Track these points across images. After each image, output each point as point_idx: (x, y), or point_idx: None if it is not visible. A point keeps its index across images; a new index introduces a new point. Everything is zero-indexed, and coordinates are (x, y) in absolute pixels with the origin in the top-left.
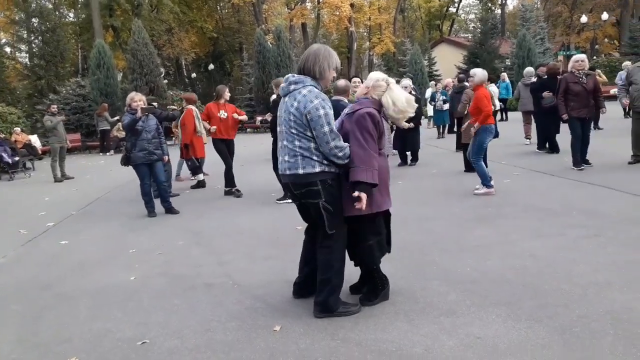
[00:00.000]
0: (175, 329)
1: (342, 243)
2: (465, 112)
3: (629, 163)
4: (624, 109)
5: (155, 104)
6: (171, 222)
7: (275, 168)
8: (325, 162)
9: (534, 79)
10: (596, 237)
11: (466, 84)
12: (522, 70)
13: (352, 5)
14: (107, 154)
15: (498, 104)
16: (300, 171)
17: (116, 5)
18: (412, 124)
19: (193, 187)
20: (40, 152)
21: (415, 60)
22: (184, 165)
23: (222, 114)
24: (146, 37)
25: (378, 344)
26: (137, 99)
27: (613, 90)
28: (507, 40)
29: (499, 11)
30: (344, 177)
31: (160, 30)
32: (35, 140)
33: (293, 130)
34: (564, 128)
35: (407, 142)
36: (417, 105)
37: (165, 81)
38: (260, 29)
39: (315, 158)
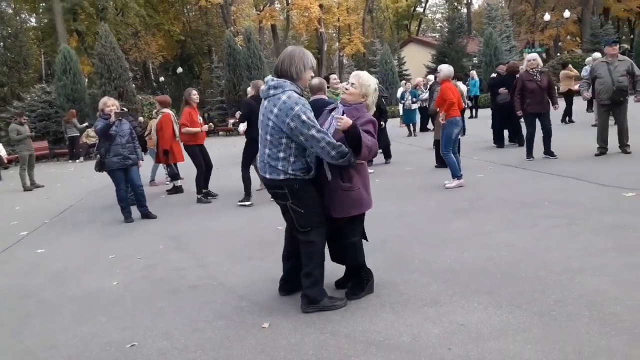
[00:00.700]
0: (163, 330)
1: (322, 236)
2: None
3: (596, 155)
4: (587, 103)
5: (125, 109)
6: (149, 227)
7: (244, 166)
8: (290, 172)
9: (493, 75)
10: (568, 225)
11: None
12: (490, 67)
13: (321, 6)
14: (77, 161)
15: (467, 102)
16: (268, 176)
17: (80, 9)
18: (382, 123)
19: (170, 192)
20: (5, 160)
21: (385, 60)
22: (159, 170)
23: (200, 119)
24: (113, 41)
25: (366, 335)
26: (110, 104)
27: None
28: (474, 39)
29: (465, 10)
30: (342, 179)
31: (126, 34)
32: (0, 148)
33: (268, 137)
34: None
35: (380, 140)
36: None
37: (133, 85)
38: (229, 31)
39: (280, 168)
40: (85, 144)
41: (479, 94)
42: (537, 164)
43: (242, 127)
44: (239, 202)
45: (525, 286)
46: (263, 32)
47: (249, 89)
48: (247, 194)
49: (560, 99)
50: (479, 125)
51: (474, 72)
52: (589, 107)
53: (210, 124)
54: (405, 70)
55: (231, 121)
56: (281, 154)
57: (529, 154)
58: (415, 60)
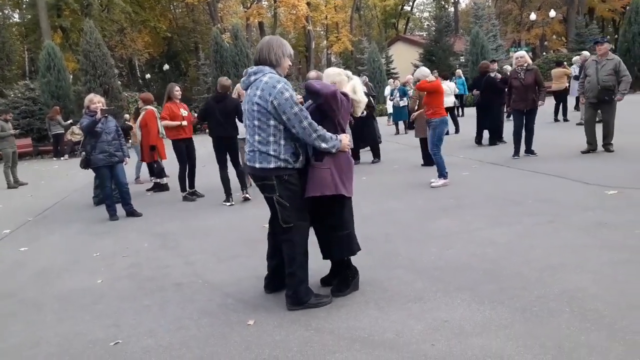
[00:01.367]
0: (147, 328)
1: (303, 236)
2: (416, 107)
3: (582, 152)
4: (575, 100)
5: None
6: (134, 225)
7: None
8: (282, 157)
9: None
10: (550, 223)
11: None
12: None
13: (308, 4)
14: (62, 158)
15: (453, 100)
16: (257, 165)
17: (64, 5)
18: (365, 112)
19: (154, 190)
20: None
21: (373, 59)
22: (143, 168)
23: (183, 112)
24: (99, 38)
25: (350, 332)
26: (96, 101)
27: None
28: (461, 38)
29: (452, 9)
30: (315, 157)
31: (111, 30)
32: None
33: (255, 122)
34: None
35: (365, 136)
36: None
37: (119, 83)
38: (216, 28)
39: (272, 153)
40: (70, 141)
41: (466, 93)
42: (522, 162)
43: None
44: (223, 201)
45: (507, 283)
46: (250, 30)
47: (237, 86)
48: (228, 194)
49: (549, 97)
50: (465, 124)
51: (459, 71)
52: (577, 106)
53: (192, 119)
54: (393, 68)
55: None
56: (271, 138)
57: (516, 151)
58: (403, 58)
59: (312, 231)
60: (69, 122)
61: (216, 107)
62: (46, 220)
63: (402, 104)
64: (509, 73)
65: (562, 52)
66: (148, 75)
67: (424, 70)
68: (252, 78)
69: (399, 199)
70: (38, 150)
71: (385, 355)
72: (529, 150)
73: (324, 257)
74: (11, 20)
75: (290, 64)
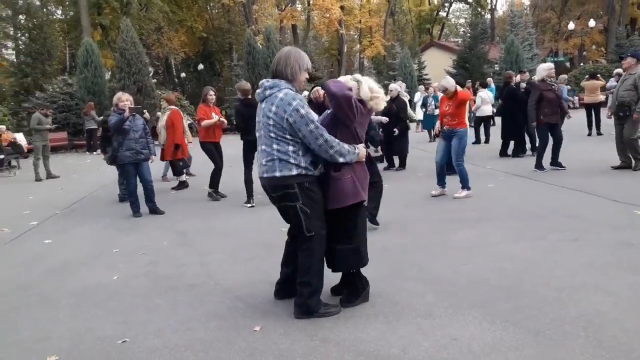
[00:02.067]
0: (156, 328)
1: (322, 245)
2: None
3: (613, 168)
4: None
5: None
6: (157, 223)
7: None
8: (302, 165)
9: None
10: (575, 240)
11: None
12: None
13: (342, 7)
14: (94, 153)
15: (491, 109)
16: (278, 174)
17: (105, 3)
18: (396, 130)
19: (175, 188)
20: (26, 150)
21: (404, 64)
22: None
23: (215, 117)
24: (134, 36)
25: (356, 345)
26: (125, 99)
27: (602, 96)
28: (496, 45)
29: (489, 16)
30: (332, 168)
31: (149, 29)
32: (20, 138)
33: (272, 134)
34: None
35: (395, 147)
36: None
37: (154, 80)
38: (250, 30)
39: (292, 161)
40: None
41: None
42: (549, 176)
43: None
44: (244, 202)
45: (523, 301)
46: (284, 32)
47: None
48: (249, 195)
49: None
50: (494, 133)
51: (490, 79)
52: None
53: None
54: (425, 74)
55: None
56: (290, 148)
57: (539, 165)
58: (436, 64)
59: None
60: (101, 117)
61: (245, 112)
62: (73, 214)
63: (436, 112)
64: (535, 84)
65: (601, 63)
66: (183, 74)
67: (451, 80)
68: (268, 92)
69: (419, 208)
70: (73, 144)
71: None
72: (556, 163)
73: (329, 268)
74: (54, 17)
75: (307, 76)
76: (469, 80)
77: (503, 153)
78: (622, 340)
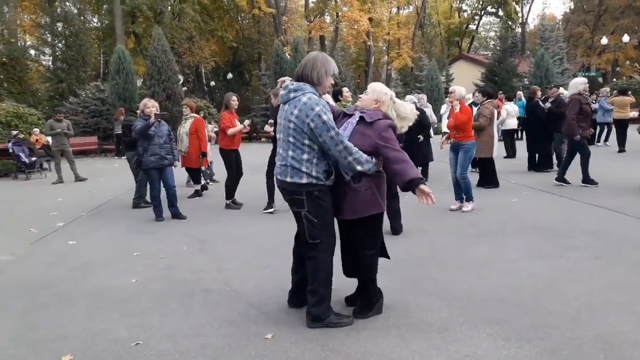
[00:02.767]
0: (169, 332)
1: (328, 254)
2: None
3: None
4: None
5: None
6: (177, 228)
7: (268, 174)
8: (313, 174)
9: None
10: (597, 259)
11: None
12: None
13: (370, 19)
14: (123, 157)
15: (516, 123)
16: (288, 179)
17: (139, 12)
18: (421, 137)
19: (190, 196)
20: None
21: (431, 76)
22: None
23: (238, 124)
24: (165, 45)
25: (367, 357)
26: (150, 105)
27: (632, 113)
28: (526, 59)
29: (520, 29)
30: (353, 180)
31: (181, 38)
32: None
33: (290, 139)
34: None
35: (416, 156)
36: (416, 116)
37: (185, 88)
38: (278, 40)
39: (304, 170)
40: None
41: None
42: (575, 192)
43: (268, 127)
44: (264, 209)
45: (540, 320)
46: (312, 43)
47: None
48: (271, 201)
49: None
50: (522, 147)
51: (520, 93)
52: None
53: (247, 125)
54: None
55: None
56: (305, 156)
57: (562, 178)
58: (464, 77)
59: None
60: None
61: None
62: (98, 216)
63: None
64: (567, 99)
65: (635, 79)
66: (212, 83)
67: (464, 90)
68: (292, 95)
69: (438, 221)
70: (102, 148)
71: None
72: (589, 180)
73: (345, 274)
74: (90, 25)
75: (333, 82)
76: (501, 92)
77: (531, 167)
78: None
